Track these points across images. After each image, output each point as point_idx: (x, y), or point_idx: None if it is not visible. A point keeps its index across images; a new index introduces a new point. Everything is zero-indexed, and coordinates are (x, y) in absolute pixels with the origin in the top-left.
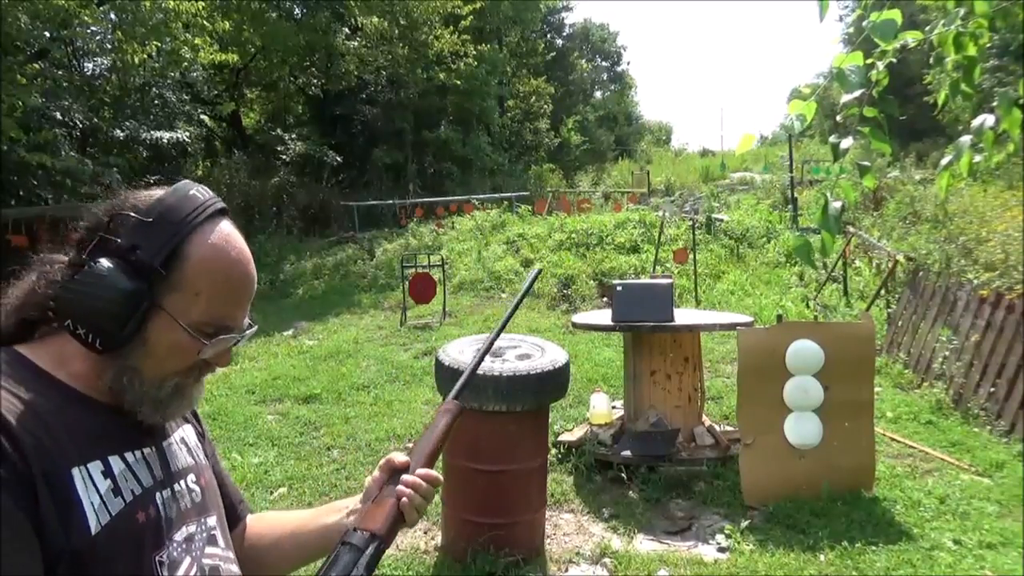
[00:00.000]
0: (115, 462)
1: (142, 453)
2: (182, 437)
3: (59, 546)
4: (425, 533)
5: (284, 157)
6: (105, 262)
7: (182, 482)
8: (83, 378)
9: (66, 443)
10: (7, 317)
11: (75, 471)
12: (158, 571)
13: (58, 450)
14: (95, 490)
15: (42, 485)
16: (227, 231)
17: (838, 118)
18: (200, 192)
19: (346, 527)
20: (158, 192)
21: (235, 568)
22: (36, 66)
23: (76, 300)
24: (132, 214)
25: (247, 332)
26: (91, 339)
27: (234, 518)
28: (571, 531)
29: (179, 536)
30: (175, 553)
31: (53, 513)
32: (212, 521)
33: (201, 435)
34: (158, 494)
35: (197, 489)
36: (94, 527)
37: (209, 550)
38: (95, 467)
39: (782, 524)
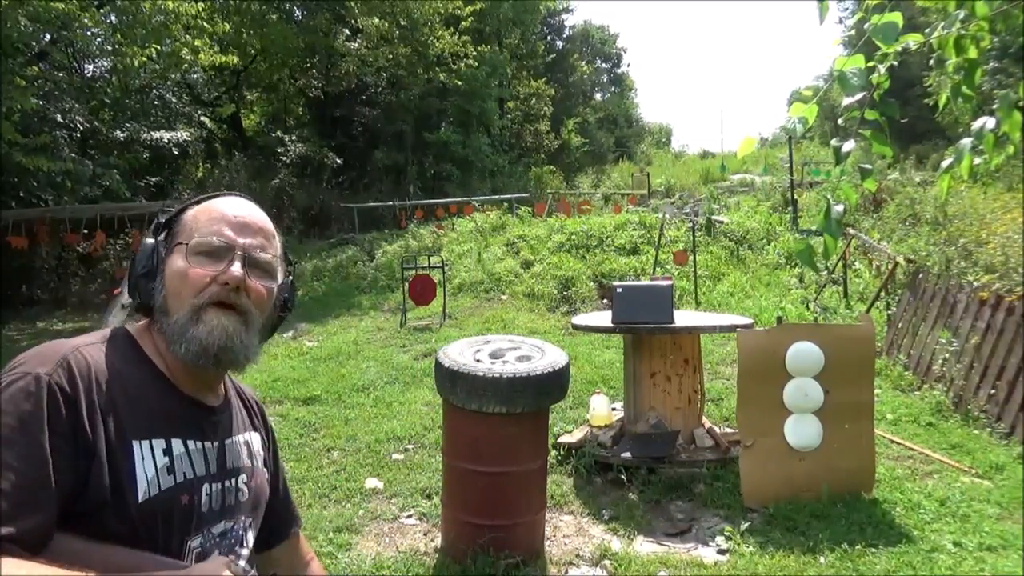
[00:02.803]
0: (176, 445)
1: (203, 445)
2: (246, 440)
3: (101, 499)
4: (425, 535)
5: (284, 159)
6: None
7: (234, 479)
8: (162, 359)
9: (139, 416)
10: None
11: (136, 444)
12: (186, 555)
13: (130, 421)
14: (152, 464)
15: (102, 448)
16: (230, 195)
17: (839, 121)
18: (224, 192)
19: None
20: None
21: (254, 572)
22: (36, 68)
23: (130, 273)
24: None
25: (259, 256)
26: (140, 298)
27: (281, 534)
28: (571, 533)
29: (216, 530)
30: (208, 544)
31: (104, 472)
32: (248, 523)
33: (267, 448)
34: (207, 485)
35: (246, 490)
36: (142, 496)
37: (238, 549)
38: (158, 443)
39: (782, 526)
